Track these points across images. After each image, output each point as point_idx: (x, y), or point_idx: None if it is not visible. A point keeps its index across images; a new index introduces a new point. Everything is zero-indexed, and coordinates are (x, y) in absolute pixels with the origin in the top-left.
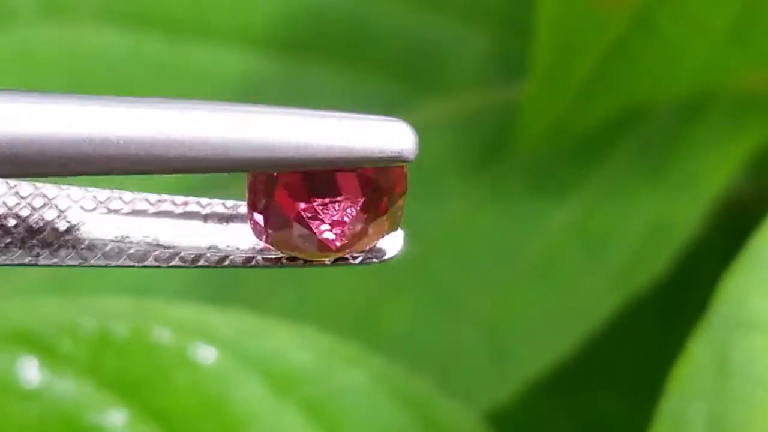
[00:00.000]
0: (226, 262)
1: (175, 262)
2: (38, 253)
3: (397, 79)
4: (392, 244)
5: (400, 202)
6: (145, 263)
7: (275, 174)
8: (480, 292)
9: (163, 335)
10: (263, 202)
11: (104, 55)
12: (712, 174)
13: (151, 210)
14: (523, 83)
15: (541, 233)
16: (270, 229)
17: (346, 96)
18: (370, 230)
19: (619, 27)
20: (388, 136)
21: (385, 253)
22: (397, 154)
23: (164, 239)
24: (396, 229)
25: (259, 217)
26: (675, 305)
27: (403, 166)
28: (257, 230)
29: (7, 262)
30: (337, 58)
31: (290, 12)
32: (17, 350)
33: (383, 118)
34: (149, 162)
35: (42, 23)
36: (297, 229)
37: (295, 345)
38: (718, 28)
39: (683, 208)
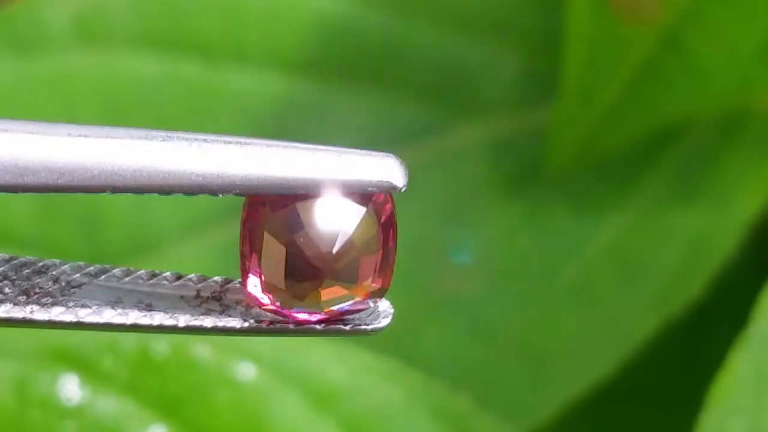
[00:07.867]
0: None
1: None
2: (32, 310)
3: (431, 102)
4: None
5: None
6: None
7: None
8: (517, 314)
9: (203, 352)
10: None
11: (139, 80)
12: (749, 193)
13: (146, 287)
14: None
15: (578, 255)
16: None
17: (380, 119)
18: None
19: (648, 46)
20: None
21: (377, 322)
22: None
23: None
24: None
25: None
26: (709, 322)
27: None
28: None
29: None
30: (371, 81)
31: (324, 36)
32: (58, 368)
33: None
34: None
35: (77, 49)
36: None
37: (333, 361)
38: (747, 47)
39: (720, 229)
